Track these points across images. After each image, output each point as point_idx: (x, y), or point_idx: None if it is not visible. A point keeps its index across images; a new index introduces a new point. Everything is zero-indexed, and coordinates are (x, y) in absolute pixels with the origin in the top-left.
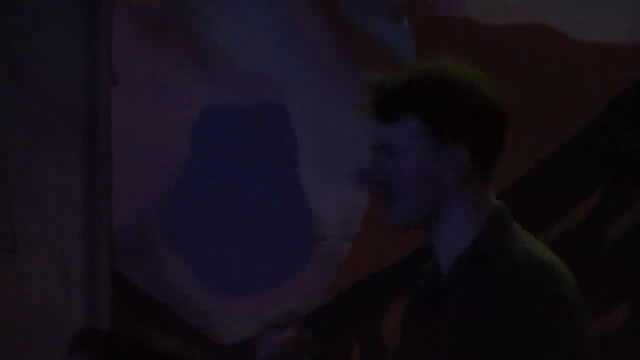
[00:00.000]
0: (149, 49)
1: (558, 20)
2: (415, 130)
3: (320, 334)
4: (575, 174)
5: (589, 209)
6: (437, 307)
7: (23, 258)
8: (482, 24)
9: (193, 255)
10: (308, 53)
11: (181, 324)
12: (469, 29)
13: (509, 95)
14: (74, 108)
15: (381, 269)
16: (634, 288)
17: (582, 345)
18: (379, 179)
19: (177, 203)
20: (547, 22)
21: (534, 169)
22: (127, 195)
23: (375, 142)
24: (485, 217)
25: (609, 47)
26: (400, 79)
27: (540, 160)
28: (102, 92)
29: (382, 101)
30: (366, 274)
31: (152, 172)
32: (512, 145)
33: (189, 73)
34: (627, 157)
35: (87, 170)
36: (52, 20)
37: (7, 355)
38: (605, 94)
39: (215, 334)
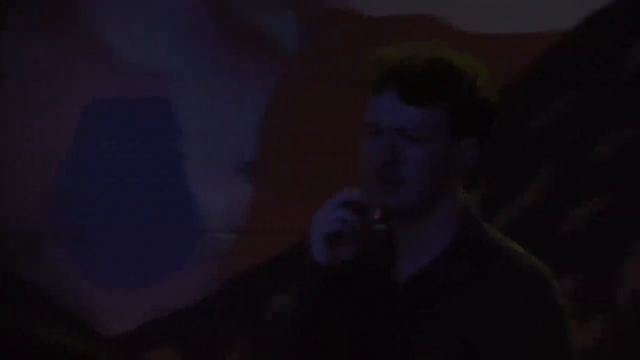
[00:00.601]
0: (36, 42)
1: (443, 11)
2: (440, 118)
3: (200, 328)
4: None
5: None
6: (413, 301)
7: None
8: (367, 16)
9: (78, 248)
10: (193, 46)
11: (66, 316)
12: (354, 20)
13: None
14: None
15: (266, 261)
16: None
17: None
18: (387, 161)
19: (64, 195)
20: (432, 12)
21: None
22: (13, 187)
23: (390, 122)
24: (461, 212)
25: (493, 37)
26: (435, 63)
27: None
28: None
29: (414, 82)
30: (251, 266)
31: (38, 164)
32: None
33: (77, 66)
34: (512, 147)
35: None
36: None
37: None
38: None
39: (100, 326)
